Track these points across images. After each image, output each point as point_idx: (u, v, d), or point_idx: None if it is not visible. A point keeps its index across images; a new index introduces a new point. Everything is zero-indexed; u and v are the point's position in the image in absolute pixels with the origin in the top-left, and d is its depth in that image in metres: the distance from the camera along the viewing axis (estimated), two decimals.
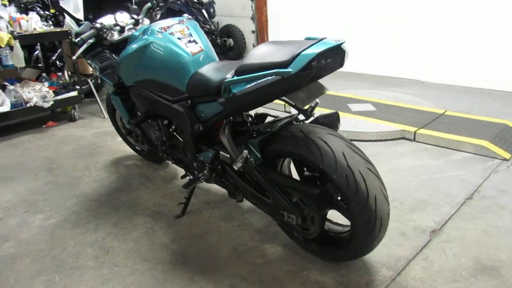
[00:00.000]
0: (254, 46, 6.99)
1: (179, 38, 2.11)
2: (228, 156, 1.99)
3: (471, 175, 2.78)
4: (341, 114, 3.70)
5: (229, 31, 6.82)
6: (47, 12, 5.02)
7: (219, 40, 6.90)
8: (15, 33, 3.58)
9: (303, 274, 1.94)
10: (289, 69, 1.51)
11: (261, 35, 6.83)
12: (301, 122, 2.11)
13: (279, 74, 1.53)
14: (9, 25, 3.67)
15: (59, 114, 4.38)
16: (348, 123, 3.58)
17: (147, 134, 2.54)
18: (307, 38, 1.72)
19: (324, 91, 1.80)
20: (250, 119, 2.25)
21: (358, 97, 4.32)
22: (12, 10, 3.91)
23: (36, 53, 4.76)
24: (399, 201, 2.51)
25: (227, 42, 6.93)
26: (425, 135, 3.32)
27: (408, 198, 2.54)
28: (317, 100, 2.13)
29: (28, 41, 3.71)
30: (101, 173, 3.04)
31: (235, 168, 1.87)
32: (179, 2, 6.53)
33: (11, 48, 3.55)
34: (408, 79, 5.11)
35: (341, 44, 1.57)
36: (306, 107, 2.11)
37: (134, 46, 2.16)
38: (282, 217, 1.91)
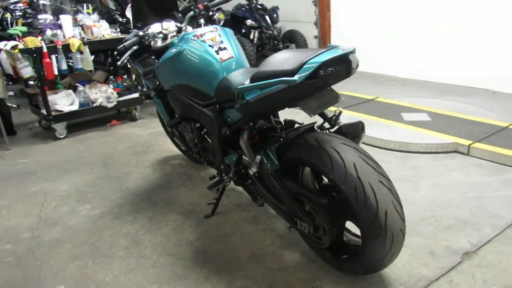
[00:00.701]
0: None
1: (210, 46, 2.20)
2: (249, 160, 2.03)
3: None
4: (390, 123, 3.63)
5: (292, 36, 6.84)
6: (125, 19, 5.47)
7: (281, 45, 6.96)
8: (85, 39, 3.95)
9: (316, 284, 1.92)
10: (295, 78, 1.52)
11: (324, 40, 6.76)
12: (326, 131, 2.10)
13: (285, 83, 1.55)
14: (82, 32, 4.07)
15: (124, 113, 4.73)
16: (396, 133, 3.43)
17: (183, 136, 2.68)
18: (330, 46, 1.71)
19: (338, 100, 1.77)
20: (281, 125, 2.29)
21: (414, 106, 4.10)
22: (95, 18, 4.33)
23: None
24: (435, 218, 2.36)
25: (289, 47, 6.96)
26: (481, 150, 3.07)
27: (447, 215, 2.38)
28: (340, 108, 2.10)
29: (95, 47, 4.07)
30: (147, 170, 3.25)
31: (250, 172, 1.91)
32: (243, 9, 6.72)
33: (82, 53, 3.93)
34: (478, 88, 4.74)
35: (348, 53, 1.54)
36: (330, 115, 2.09)
37: (170, 52, 2.30)
38: (296, 225, 1.91)
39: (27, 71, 3.76)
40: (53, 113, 3.94)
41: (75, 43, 3.83)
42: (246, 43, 6.26)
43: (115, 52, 2.44)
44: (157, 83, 2.58)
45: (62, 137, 4.09)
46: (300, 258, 2.10)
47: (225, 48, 2.22)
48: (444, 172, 2.91)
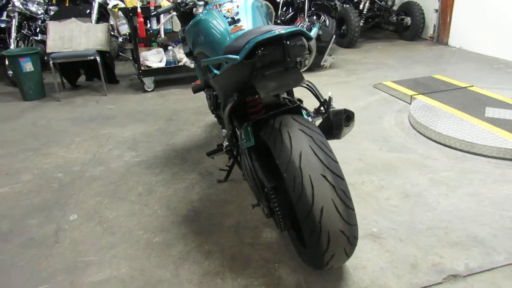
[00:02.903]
0: (434, 26, 6.20)
1: (224, 16, 2.22)
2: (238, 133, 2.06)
3: None
4: (464, 117, 3.18)
5: (409, 8, 6.21)
6: None
7: (394, 18, 6.39)
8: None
9: (273, 266, 1.91)
10: (236, 56, 1.49)
11: (443, 16, 5.97)
12: (324, 115, 2.00)
13: (228, 60, 1.52)
14: None
15: None
16: (464, 129, 2.97)
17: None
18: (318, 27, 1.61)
19: (301, 83, 1.66)
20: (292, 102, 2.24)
21: (510, 101, 3.45)
22: None
23: None
24: (445, 231, 2.07)
25: (404, 21, 6.35)
26: None
27: (462, 230, 2.06)
28: (329, 93, 1.97)
29: None
30: (198, 130, 3.49)
31: (224, 145, 1.95)
32: None
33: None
34: None
35: (280, 35, 1.43)
36: (322, 99, 1.98)
37: (193, 20, 2.39)
38: (258, 205, 1.91)
39: (123, 28, 4.27)
40: (142, 68, 4.43)
41: (165, 4, 4.18)
42: (352, 13, 5.92)
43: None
44: (189, 48, 2.72)
45: (149, 90, 4.59)
46: (275, 239, 2.09)
47: (238, 20, 2.21)
48: (496, 182, 2.47)
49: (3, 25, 5.29)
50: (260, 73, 1.61)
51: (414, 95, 3.75)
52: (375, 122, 3.44)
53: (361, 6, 6.29)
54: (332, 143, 3.06)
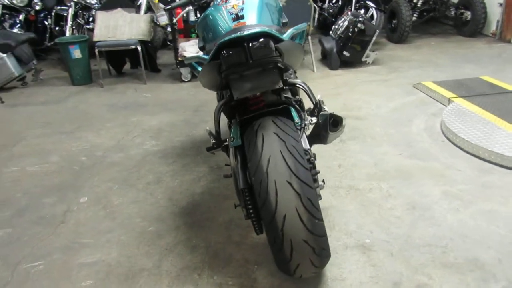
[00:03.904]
0: (498, 22, 5.67)
1: (229, 12, 2.20)
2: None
3: None
4: (503, 125, 2.92)
5: (469, 1, 5.73)
6: None
7: (453, 12, 5.93)
8: None
9: (252, 267, 1.90)
10: (206, 56, 1.48)
11: (508, 10, 5.44)
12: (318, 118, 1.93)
13: (200, 60, 1.52)
14: None
15: None
16: (495, 139, 2.72)
17: None
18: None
19: (277, 85, 1.61)
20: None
21: None
22: None
23: None
24: (443, 250, 1.92)
25: (463, 15, 5.88)
26: None
27: (463, 251, 1.90)
28: (319, 96, 1.89)
29: None
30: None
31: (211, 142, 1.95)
32: None
33: None
34: None
35: (239, 37, 1.39)
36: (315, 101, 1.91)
37: (202, 15, 2.40)
38: (240, 205, 1.89)
39: (163, 19, 4.40)
40: (179, 58, 4.54)
41: None
42: (404, 7, 5.59)
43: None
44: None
45: (186, 80, 4.70)
46: (262, 240, 2.07)
47: (242, 16, 2.18)
48: None
49: (64, 14, 5.68)
50: (237, 74, 1.59)
51: (453, 97, 3.48)
52: (403, 125, 3.25)
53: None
54: (350, 146, 2.95)
